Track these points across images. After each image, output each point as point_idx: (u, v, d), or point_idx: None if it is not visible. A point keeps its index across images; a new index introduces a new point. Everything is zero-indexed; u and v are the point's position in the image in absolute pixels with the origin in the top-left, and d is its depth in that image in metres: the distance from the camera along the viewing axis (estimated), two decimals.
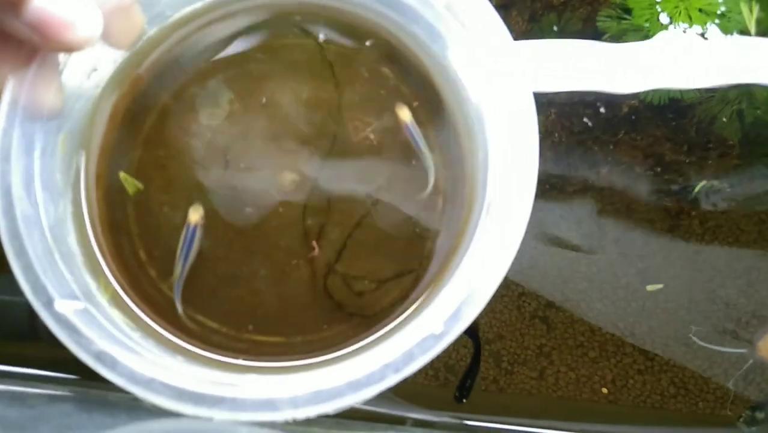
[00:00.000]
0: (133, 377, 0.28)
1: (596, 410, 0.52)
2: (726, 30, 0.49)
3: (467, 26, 0.33)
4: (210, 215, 0.37)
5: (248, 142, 0.38)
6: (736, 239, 0.53)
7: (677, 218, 0.53)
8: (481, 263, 0.30)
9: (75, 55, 0.33)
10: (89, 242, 0.35)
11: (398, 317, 0.35)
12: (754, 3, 0.48)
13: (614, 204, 0.52)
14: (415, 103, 0.39)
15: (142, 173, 0.38)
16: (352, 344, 0.34)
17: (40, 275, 0.29)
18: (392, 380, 0.28)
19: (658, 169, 0.53)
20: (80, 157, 0.35)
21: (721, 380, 0.52)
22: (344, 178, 0.39)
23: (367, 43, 0.39)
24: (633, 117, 0.53)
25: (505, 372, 0.51)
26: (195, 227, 0.36)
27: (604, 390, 0.52)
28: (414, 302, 0.35)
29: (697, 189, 0.52)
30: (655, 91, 0.51)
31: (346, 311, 0.37)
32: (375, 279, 0.37)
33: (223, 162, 0.38)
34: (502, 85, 0.32)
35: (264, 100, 0.39)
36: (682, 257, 0.53)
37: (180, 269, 0.36)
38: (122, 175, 0.37)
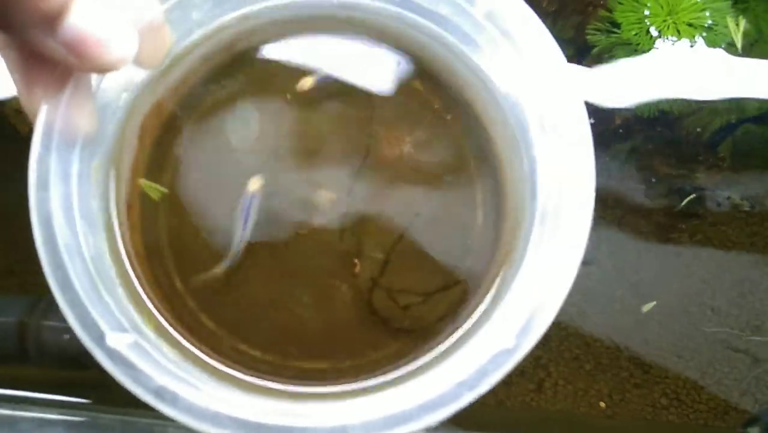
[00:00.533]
0: (197, 412, 0.26)
1: (595, 425, 0.52)
2: (713, 43, 0.50)
3: (510, 35, 0.32)
4: (246, 241, 0.36)
5: (280, 162, 0.37)
6: (728, 250, 0.53)
7: (669, 231, 0.53)
8: (545, 273, 0.29)
9: (108, 77, 0.32)
10: (127, 272, 0.33)
11: (453, 332, 0.34)
12: (740, 17, 0.49)
13: (606, 217, 0.52)
14: (448, 116, 0.39)
15: (175, 199, 0.36)
16: (406, 364, 0.33)
17: (89, 309, 0.27)
18: (467, 398, 0.27)
19: (652, 180, 0.54)
20: (112, 183, 0.34)
21: (714, 391, 0.52)
22: (380, 194, 0.38)
23: (398, 60, 0.38)
24: (624, 129, 0.53)
25: (504, 383, 0.51)
26: (253, 196, 0.35)
27: (602, 404, 0.52)
28: (469, 317, 0.34)
29: (686, 201, 0.52)
30: (645, 104, 0.52)
31: (392, 328, 0.36)
32: (421, 292, 0.36)
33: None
34: (550, 96, 0.32)
35: (294, 118, 0.38)
36: (674, 269, 0.53)
37: (239, 238, 0.36)
38: (143, 182, 0.36)
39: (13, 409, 0.41)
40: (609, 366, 0.52)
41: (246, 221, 0.36)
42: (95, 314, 0.27)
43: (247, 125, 0.37)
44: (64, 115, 0.29)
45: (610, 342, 0.52)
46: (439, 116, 0.39)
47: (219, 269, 0.36)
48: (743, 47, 0.49)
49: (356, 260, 0.36)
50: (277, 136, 0.37)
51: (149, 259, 0.35)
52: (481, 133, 0.38)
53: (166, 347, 0.31)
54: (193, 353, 0.32)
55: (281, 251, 0.37)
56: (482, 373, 0.27)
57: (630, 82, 0.51)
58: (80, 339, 0.27)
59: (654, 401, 0.52)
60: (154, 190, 0.35)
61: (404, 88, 0.39)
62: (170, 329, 0.32)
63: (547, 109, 0.32)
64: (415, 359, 0.33)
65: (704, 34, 0.50)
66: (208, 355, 0.33)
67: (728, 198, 0.53)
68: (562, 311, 0.53)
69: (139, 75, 0.34)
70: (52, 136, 0.29)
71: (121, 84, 0.33)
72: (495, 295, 0.34)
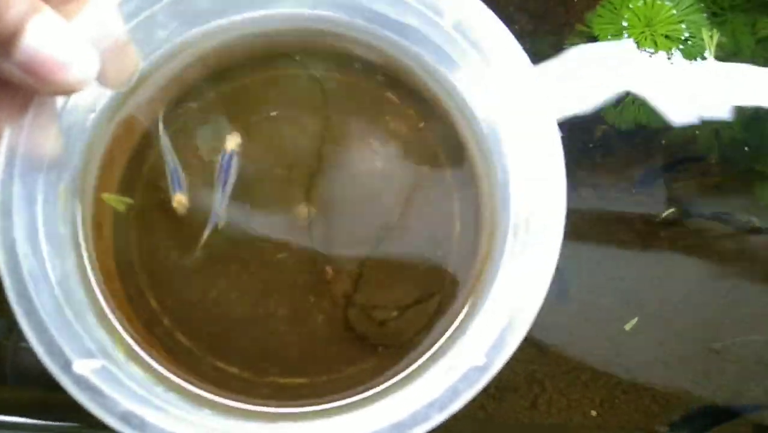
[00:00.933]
0: None
1: None
2: (689, 55, 0.50)
3: (479, 46, 0.32)
4: (220, 256, 0.36)
5: (254, 177, 0.37)
6: (716, 259, 0.53)
7: (652, 240, 0.53)
8: (517, 287, 0.29)
9: (72, 99, 0.31)
10: (96, 295, 0.33)
11: (429, 348, 0.33)
12: (715, 30, 0.49)
13: (587, 229, 0.52)
14: (421, 124, 0.38)
15: (145, 217, 0.36)
16: (383, 381, 0.33)
17: (54, 336, 0.27)
18: (438, 419, 0.27)
19: (632, 191, 0.53)
20: (79, 205, 0.33)
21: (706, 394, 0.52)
22: (354, 207, 0.38)
23: (365, 73, 0.38)
24: (603, 141, 0.53)
25: (496, 399, 0.50)
26: (231, 154, 0.35)
27: (593, 412, 0.51)
28: (444, 332, 0.33)
29: (666, 213, 0.52)
30: (621, 116, 0.52)
31: (370, 344, 0.36)
32: (396, 306, 0.36)
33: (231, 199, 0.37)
34: (518, 105, 0.31)
35: (267, 133, 0.37)
36: (659, 279, 0.53)
37: (219, 199, 0.35)
38: (106, 196, 0.35)
39: None
40: (603, 373, 0.51)
41: (225, 182, 0.35)
42: (61, 340, 0.27)
43: (219, 141, 0.37)
44: (28, 139, 0.29)
45: (601, 351, 0.51)
46: (414, 127, 0.38)
47: (202, 238, 0.36)
48: (719, 60, 0.49)
49: (330, 275, 0.36)
50: (250, 151, 0.37)
51: (122, 279, 0.35)
52: (456, 144, 0.38)
53: (137, 370, 0.31)
54: (165, 375, 0.32)
55: (256, 267, 0.36)
56: (453, 392, 0.27)
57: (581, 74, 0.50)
58: (46, 366, 0.27)
59: (645, 407, 0.51)
60: (119, 202, 0.35)
61: (377, 99, 0.38)
62: (141, 352, 0.32)
63: (518, 119, 0.32)
64: (391, 375, 0.33)
65: (681, 46, 0.50)
66: (182, 376, 0.33)
67: (711, 208, 0.52)
68: (556, 323, 0.52)
69: (106, 94, 0.34)
70: (14, 161, 0.29)
71: (87, 104, 0.33)
72: (470, 309, 0.34)
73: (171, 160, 0.35)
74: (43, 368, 0.27)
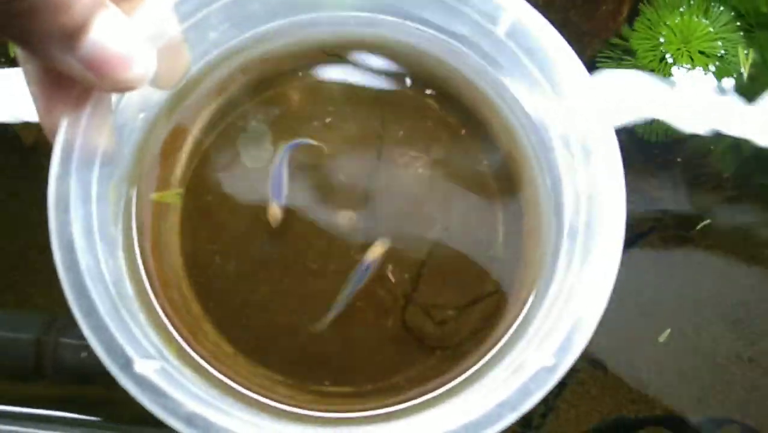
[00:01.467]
0: None
1: None
2: (725, 72, 0.51)
3: (533, 53, 0.32)
4: (263, 264, 0.35)
5: (297, 184, 0.37)
6: (728, 271, 0.53)
7: (674, 252, 0.53)
8: (580, 289, 0.29)
9: (125, 97, 0.31)
10: (148, 297, 0.32)
11: (489, 349, 0.33)
12: (751, 49, 0.51)
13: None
14: (463, 131, 0.39)
15: (189, 221, 0.35)
16: (441, 383, 0.32)
17: (114, 335, 0.26)
18: (510, 418, 0.26)
19: (648, 203, 0.54)
20: (130, 205, 0.33)
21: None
22: (399, 213, 0.37)
23: (407, 80, 0.38)
24: (629, 151, 0.54)
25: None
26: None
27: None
28: (503, 333, 0.33)
29: (700, 225, 0.53)
30: (650, 126, 0.52)
31: (428, 345, 0.35)
32: (454, 306, 0.36)
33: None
34: (574, 113, 0.31)
35: (308, 139, 0.37)
36: (682, 291, 0.53)
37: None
38: (155, 195, 0.34)
39: (30, 426, 0.40)
40: (613, 386, 0.51)
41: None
42: (121, 339, 0.26)
43: (261, 147, 0.37)
44: (85, 134, 0.28)
45: (614, 363, 0.51)
46: (455, 134, 0.38)
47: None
48: (749, 76, 0.51)
49: (389, 271, 0.36)
50: (291, 158, 0.37)
51: (165, 282, 0.34)
52: (499, 151, 0.38)
53: (189, 373, 0.30)
54: (217, 378, 0.31)
55: (303, 275, 0.36)
56: (524, 392, 0.27)
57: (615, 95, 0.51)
58: (106, 366, 0.26)
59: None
60: (170, 196, 0.34)
61: (419, 106, 0.38)
62: (193, 354, 0.31)
63: (573, 126, 0.32)
64: (453, 376, 0.32)
65: (717, 63, 0.51)
66: (232, 380, 0.32)
67: (737, 220, 0.53)
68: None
69: (156, 95, 0.33)
70: (71, 155, 0.28)
71: (137, 104, 0.32)
72: (528, 312, 0.33)
73: (282, 171, 0.35)
74: (81, 364, 0.27)
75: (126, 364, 0.26)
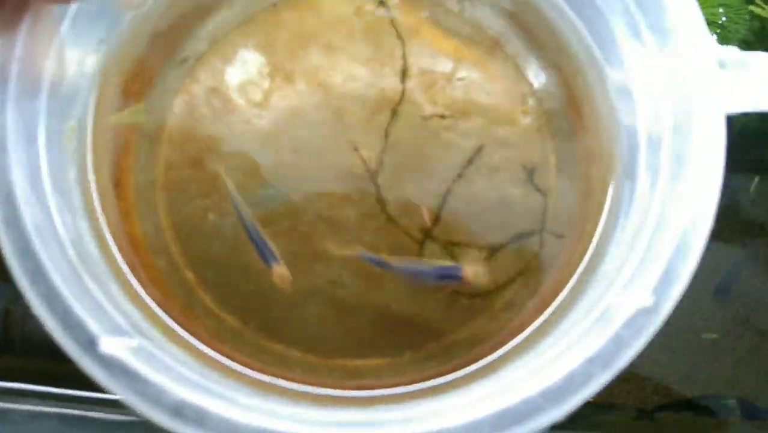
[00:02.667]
0: (234, 431, 0.19)
1: None
2: (725, 40, 0.46)
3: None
4: (266, 219, 0.29)
5: (300, 120, 0.30)
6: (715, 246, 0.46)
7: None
8: (676, 208, 0.22)
9: (78, 16, 0.24)
10: (119, 264, 0.25)
11: (549, 300, 0.26)
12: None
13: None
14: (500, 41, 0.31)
15: (173, 176, 0.29)
16: (502, 343, 0.26)
17: (71, 306, 0.20)
18: (603, 378, 0.20)
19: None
20: (90, 154, 0.26)
21: None
22: (420, 148, 0.31)
23: None
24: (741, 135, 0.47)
25: None
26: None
27: None
28: (569, 277, 0.26)
29: None
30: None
31: (471, 299, 0.28)
32: (488, 246, 0.29)
33: (274, 150, 0.30)
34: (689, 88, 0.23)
35: (312, 67, 0.31)
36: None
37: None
38: (114, 118, 0.28)
39: (4, 401, 0.36)
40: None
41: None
42: (81, 311, 0.20)
43: (253, 79, 0.30)
44: (24, 56, 0.22)
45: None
46: (492, 47, 0.31)
47: None
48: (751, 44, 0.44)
49: (424, 211, 0.29)
50: (292, 91, 0.30)
51: (150, 248, 0.28)
52: (546, 61, 0.31)
53: (180, 353, 0.23)
54: (216, 359, 0.25)
55: (312, 228, 0.29)
56: (617, 342, 0.20)
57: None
58: (61, 345, 0.19)
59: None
60: (132, 114, 0.28)
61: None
62: (183, 332, 0.25)
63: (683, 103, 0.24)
64: (506, 334, 0.26)
65: (718, 30, 0.45)
66: (237, 361, 0.25)
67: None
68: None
69: (119, 16, 0.27)
70: (7, 84, 0.22)
71: (95, 28, 0.26)
72: (596, 247, 0.27)
73: (255, 233, 0.28)
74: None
75: (89, 342, 0.20)
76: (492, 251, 0.29)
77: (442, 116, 0.30)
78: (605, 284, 0.23)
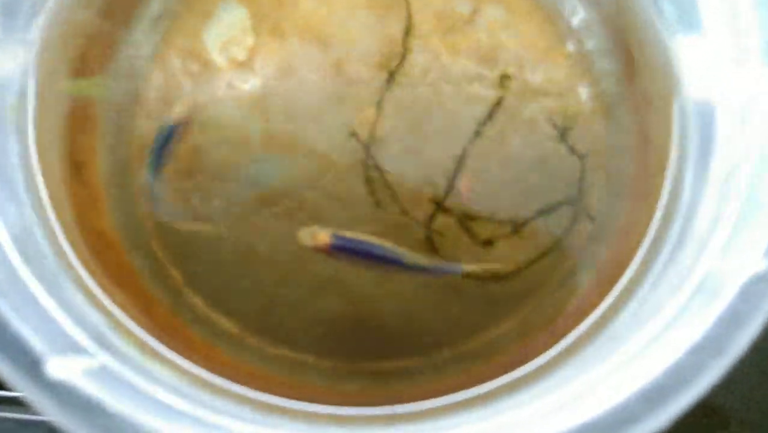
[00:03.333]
0: None
1: None
2: None
3: None
4: (265, 199, 0.24)
5: (292, 81, 0.25)
6: None
7: None
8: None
9: None
10: (73, 265, 0.21)
11: (621, 267, 0.21)
12: None
13: None
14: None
15: (147, 152, 0.24)
16: (564, 333, 0.21)
17: (7, 319, 0.15)
18: (716, 369, 0.15)
19: None
20: (33, 132, 0.22)
21: None
22: (440, 104, 0.26)
23: None
24: None
25: None
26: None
27: None
28: (638, 245, 0.21)
29: None
30: None
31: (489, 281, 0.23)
32: (509, 220, 0.24)
33: (264, 117, 0.25)
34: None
35: (302, 16, 0.26)
36: None
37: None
38: (65, 86, 0.23)
39: None
40: None
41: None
42: (21, 325, 0.15)
43: (234, 36, 0.25)
44: None
45: None
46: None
47: None
48: None
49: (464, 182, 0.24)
50: (281, 46, 0.25)
51: (122, 243, 0.23)
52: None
53: (162, 371, 0.19)
54: (202, 376, 0.20)
55: (312, 203, 0.24)
56: (730, 321, 0.15)
57: None
58: None
59: None
60: (92, 86, 0.23)
61: None
62: (163, 344, 0.20)
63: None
64: (574, 317, 0.21)
65: None
66: (230, 377, 0.20)
67: None
68: None
69: None
70: None
71: None
72: (665, 211, 0.22)
73: None
74: None
75: (30, 364, 0.15)
76: (517, 226, 0.24)
77: (464, 65, 0.25)
78: (695, 248, 0.18)
